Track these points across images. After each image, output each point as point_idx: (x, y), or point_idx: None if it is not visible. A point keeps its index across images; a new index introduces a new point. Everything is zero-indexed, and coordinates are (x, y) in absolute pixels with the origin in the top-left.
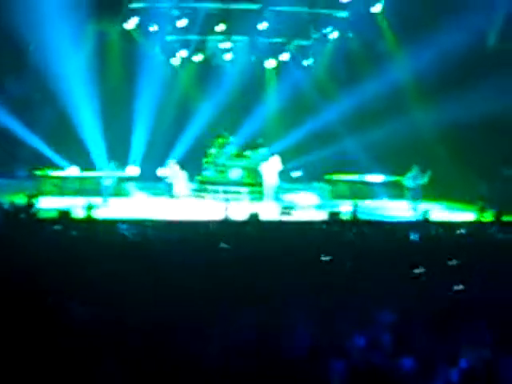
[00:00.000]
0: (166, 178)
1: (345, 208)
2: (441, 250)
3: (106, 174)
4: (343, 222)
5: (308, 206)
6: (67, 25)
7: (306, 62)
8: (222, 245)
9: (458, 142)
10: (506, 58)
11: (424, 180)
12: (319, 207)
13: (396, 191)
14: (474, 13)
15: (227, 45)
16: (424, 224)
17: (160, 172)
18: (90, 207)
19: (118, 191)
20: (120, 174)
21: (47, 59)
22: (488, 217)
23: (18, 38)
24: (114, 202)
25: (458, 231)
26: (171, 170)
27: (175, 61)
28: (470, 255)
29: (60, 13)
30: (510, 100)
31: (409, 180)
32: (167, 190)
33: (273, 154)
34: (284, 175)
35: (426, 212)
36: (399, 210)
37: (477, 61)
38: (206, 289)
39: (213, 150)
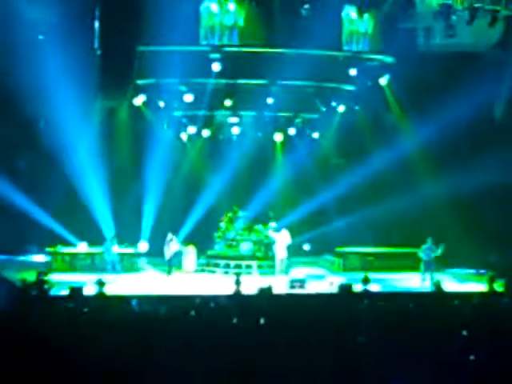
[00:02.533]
0: (175, 253)
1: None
2: (453, 321)
3: (113, 249)
4: (355, 294)
5: (319, 279)
6: (77, 101)
7: (313, 135)
8: (235, 320)
9: (467, 212)
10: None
11: (438, 252)
12: (328, 280)
13: (410, 263)
14: (481, 85)
15: (235, 120)
16: (437, 295)
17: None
18: (100, 283)
19: (129, 267)
20: (128, 250)
21: (57, 135)
22: (499, 287)
23: (29, 114)
24: (124, 277)
25: (470, 302)
26: (172, 246)
27: (183, 136)
28: (481, 326)
29: (70, 90)
30: None
31: (423, 252)
32: (176, 265)
33: (282, 228)
34: (294, 248)
35: (438, 283)
36: (413, 282)
37: (484, 132)
38: (219, 366)
39: (223, 225)
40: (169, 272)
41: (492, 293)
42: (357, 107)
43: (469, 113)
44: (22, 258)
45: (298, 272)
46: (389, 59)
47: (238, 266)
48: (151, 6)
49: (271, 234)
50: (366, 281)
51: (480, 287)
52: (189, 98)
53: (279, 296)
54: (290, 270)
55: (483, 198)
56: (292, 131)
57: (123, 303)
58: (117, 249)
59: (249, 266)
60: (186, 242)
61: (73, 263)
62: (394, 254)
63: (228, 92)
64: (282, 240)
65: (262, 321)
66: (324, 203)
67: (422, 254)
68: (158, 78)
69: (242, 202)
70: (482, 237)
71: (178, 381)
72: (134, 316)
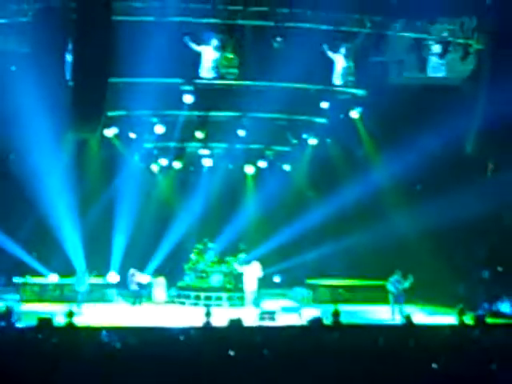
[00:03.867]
0: (144, 284)
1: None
2: (423, 354)
3: (83, 280)
4: (325, 327)
5: (289, 311)
6: (48, 132)
7: (285, 168)
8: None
9: (437, 245)
10: (481, 165)
11: (406, 285)
12: (300, 312)
13: (380, 295)
14: (453, 118)
15: (206, 152)
16: (406, 328)
17: (137, 278)
18: (70, 314)
19: (99, 298)
20: (98, 280)
21: (27, 166)
22: (468, 319)
23: None
24: (93, 308)
25: (441, 334)
26: (136, 279)
27: (154, 167)
28: (452, 359)
29: (41, 121)
30: (486, 205)
31: (391, 284)
32: (145, 296)
33: (253, 260)
34: (265, 281)
35: (408, 316)
36: (383, 314)
37: (456, 165)
38: None
39: (193, 256)
40: (133, 303)
41: (462, 325)
42: (328, 140)
43: (440, 146)
44: None
45: (269, 304)
46: (361, 92)
47: (208, 298)
48: (123, 38)
49: (237, 267)
50: (335, 314)
51: (449, 320)
52: (160, 129)
53: (249, 328)
54: (260, 301)
55: (454, 230)
56: (263, 164)
57: (93, 334)
58: (88, 280)
59: (219, 298)
60: (156, 273)
61: (42, 294)
62: (365, 287)
63: (199, 124)
64: (252, 272)
65: (231, 353)
66: (295, 235)
67: (390, 287)
68: (130, 109)
69: (213, 233)
70: (451, 269)
71: None
72: (102, 347)
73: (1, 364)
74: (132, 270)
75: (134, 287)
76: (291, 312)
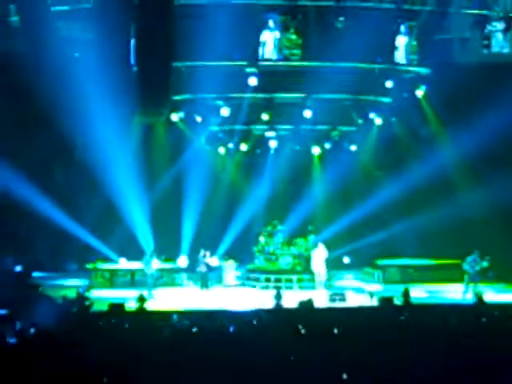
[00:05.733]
0: (214, 267)
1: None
2: (495, 333)
3: (153, 264)
4: (395, 307)
5: (360, 292)
6: (114, 118)
7: (351, 148)
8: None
9: (508, 222)
10: None
11: (483, 264)
12: (370, 292)
13: (451, 274)
14: None
15: (272, 134)
16: (478, 306)
17: (208, 260)
18: (141, 299)
19: (169, 282)
20: (168, 265)
21: (95, 152)
22: None
23: (67, 131)
24: (163, 293)
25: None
26: (205, 261)
27: (221, 150)
28: None
29: (107, 106)
30: None
31: (467, 264)
32: (215, 278)
33: (320, 242)
34: (334, 262)
35: (479, 294)
36: (455, 293)
37: None
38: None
39: (262, 239)
40: (202, 286)
41: None
42: (393, 119)
43: (507, 123)
44: (62, 275)
45: (339, 285)
46: (425, 71)
47: (278, 280)
48: (186, 21)
49: (312, 254)
50: (406, 294)
51: None
52: (225, 112)
53: (319, 309)
54: (330, 283)
55: None
56: (329, 144)
57: (164, 318)
58: (156, 263)
59: (289, 280)
60: (226, 256)
61: (113, 279)
62: (435, 266)
63: (265, 106)
64: (318, 254)
65: (302, 331)
66: (363, 216)
67: (466, 266)
68: (195, 93)
69: (281, 215)
70: None
71: None
72: (174, 331)
73: (76, 349)
74: (203, 252)
75: (202, 269)
76: (361, 293)
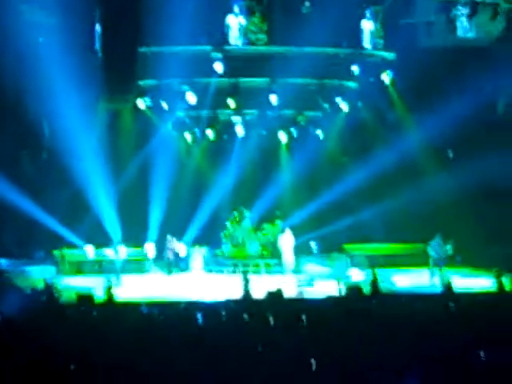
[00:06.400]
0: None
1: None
2: (464, 319)
3: (120, 252)
4: (363, 296)
5: (326, 278)
6: (80, 104)
7: (317, 133)
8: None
9: (472, 207)
10: None
11: (447, 248)
12: (338, 278)
13: (418, 259)
14: (483, 80)
15: (238, 119)
16: (446, 293)
17: (174, 246)
18: (108, 287)
19: (136, 269)
20: (135, 251)
21: (61, 139)
22: (507, 282)
23: (32, 118)
24: (131, 279)
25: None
26: (172, 247)
27: (187, 136)
28: (491, 325)
29: (72, 92)
30: None
31: (432, 248)
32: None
33: (287, 228)
34: (302, 248)
35: (448, 281)
36: (421, 278)
37: (487, 127)
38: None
39: (230, 225)
40: (169, 272)
41: (501, 291)
42: (360, 104)
43: (472, 108)
44: (29, 262)
45: (307, 270)
46: (390, 55)
47: (246, 266)
48: (151, 6)
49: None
50: (374, 282)
51: (487, 282)
52: (191, 98)
53: (288, 299)
54: (297, 268)
55: (488, 192)
56: (296, 128)
57: (132, 308)
58: (124, 250)
59: (257, 265)
60: (193, 242)
61: (80, 266)
62: (402, 251)
63: (231, 91)
64: (286, 240)
65: (271, 321)
66: (331, 201)
67: (430, 250)
68: (161, 78)
69: (249, 201)
70: (486, 232)
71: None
72: (142, 319)
73: (43, 339)
74: (169, 237)
75: (169, 255)
76: (329, 278)
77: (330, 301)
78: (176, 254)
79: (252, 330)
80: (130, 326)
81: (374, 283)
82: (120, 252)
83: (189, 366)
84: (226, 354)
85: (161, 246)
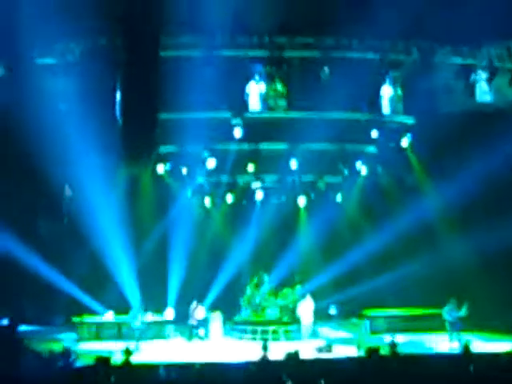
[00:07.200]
0: (200, 319)
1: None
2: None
3: (138, 317)
4: (382, 358)
5: (346, 343)
6: (100, 169)
7: (337, 198)
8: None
9: (491, 271)
10: None
11: (462, 312)
12: (357, 343)
13: (436, 324)
14: (502, 143)
15: (257, 184)
16: (465, 356)
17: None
18: (127, 352)
19: (156, 335)
20: (155, 317)
21: (81, 203)
22: None
23: (53, 182)
24: (150, 345)
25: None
26: (197, 313)
27: (207, 201)
28: None
29: (93, 158)
30: None
31: (447, 313)
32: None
33: (307, 293)
34: (321, 312)
35: (466, 344)
36: (439, 343)
37: (508, 190)
38: None
39: (249, 290)
40: (190, 338)
41: None
42: (379, 169)
43: (491, 172)
44: (48, 328)
45: (325, 335)
46: (410, 120)
47: (265, 332)
48: (171, 73)
49: (299, 305)
50: (393, 344)
51: (507, 346)
52: (211, 163)
53: (306, 360)
54: (316, 334)
55: (507, 256)
56: (315, 193)
57: (150, 371)
58: (146, 316)
59: (275, 332)
60: (212, 308)
61: (99, 332)
62: (421, 316)
63: (250, 157)
64: (306, 305)
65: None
66: (349, 266)
67: (445, 315)
68: (181, 145)
69: (268, 266)
70: (505, 296)
71: None
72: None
73: None
74: (195, 303)
75: (193, 321)
76: (348, 344)
77: (349, 362)
78: (199, 321)
79: None
80: None
81: (393, 346)
82: (139, 317)
83: None
84: None
85: (181, 312)
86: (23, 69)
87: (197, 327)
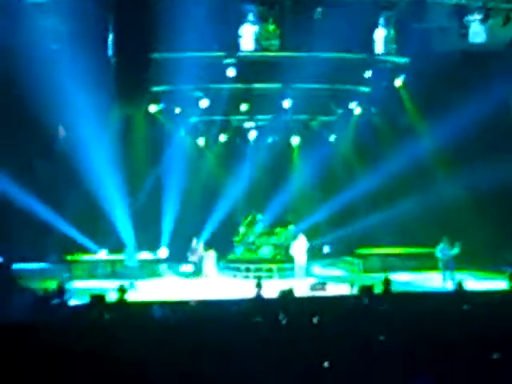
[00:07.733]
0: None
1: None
2: (476, 321)
3: (133, 256)
4: (375, 295)
5: (339, 281)
6: (93, 109)
7: (330, 138)
8: (257, 319)
9: (485, 210)
10: None
11: (454, 251)
12: (350, 281)
13: (430, 262)
14: (496, 84)
15: (251, 124)
16: (458, 295)
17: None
18: (122, 290)
19: (150, 273)
20: (148, 255)
21: (75, 143)
22: None
23: (45, 123)
24: (144, 284)
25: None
26: (198, 251)
27: (200, 141)
28: (507, 325)
29: (85, 98)
30: None
31: (439, 251)
32: (196, 270)
33: (300, 232)
34: (314, 251)
35: (459, 282)
36: (433, 282)
37: (501, 131)
38: (244, 371)
39: (242, 229)
40: (196, 274)
41: None
42: (373, 109)
43: (485, 112)
44: (42, 266)
45: (319, 274)
46: (403, 60)
47: (259, 270)
48: (164, 13)
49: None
50: (386, 283)
51: (500, 285)
52: (204, 103)
53: (300, 298)
54: (310, 272)
55: (501, 195)
56: (309, 133)
57: (145, 309)
58: (137, 256)
59: (269, 270)
60: (206, 246)
61: (93, 271)
62: (415, 255)
63: (243, 97)
64: (299, 244)
65: (282, 321)
66: (343, 205)
67: (438, 254)
68: (173, 84)
69: (261, 206)
70: (499, 234)
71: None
72: (155, 322)
73: (55, 341)
74: (194, 240)
75: (194, 259)
76: (342, 282)
77: (342, 299)
78: (201, 258)
79: (264, 329)
80: (142, 327)
81: (387, 284)
82: (133, 256)
83: (192, 367)
84: (236, 353)
85: (173, 250)
86: (12, 7)
87: (199, 264)
